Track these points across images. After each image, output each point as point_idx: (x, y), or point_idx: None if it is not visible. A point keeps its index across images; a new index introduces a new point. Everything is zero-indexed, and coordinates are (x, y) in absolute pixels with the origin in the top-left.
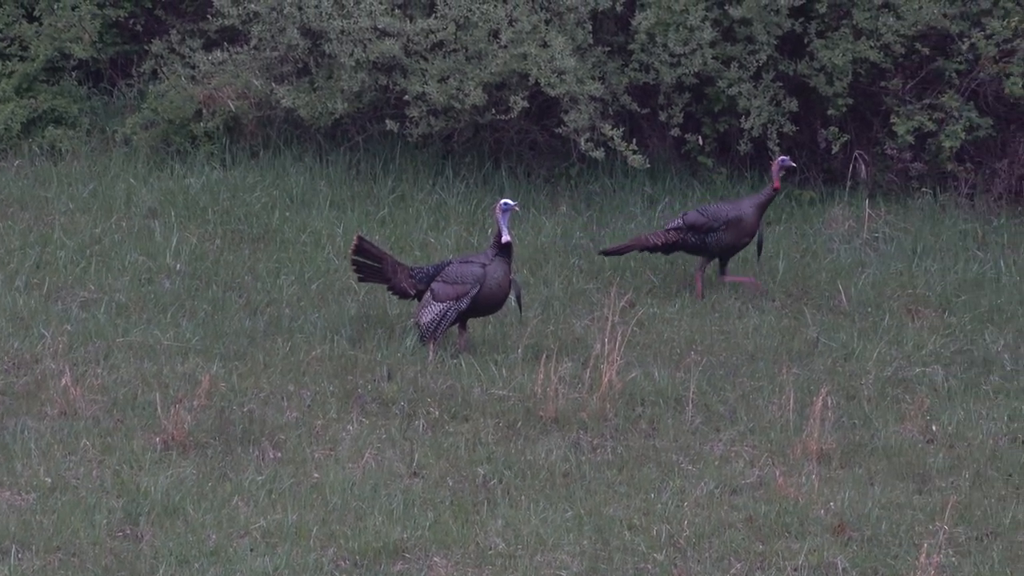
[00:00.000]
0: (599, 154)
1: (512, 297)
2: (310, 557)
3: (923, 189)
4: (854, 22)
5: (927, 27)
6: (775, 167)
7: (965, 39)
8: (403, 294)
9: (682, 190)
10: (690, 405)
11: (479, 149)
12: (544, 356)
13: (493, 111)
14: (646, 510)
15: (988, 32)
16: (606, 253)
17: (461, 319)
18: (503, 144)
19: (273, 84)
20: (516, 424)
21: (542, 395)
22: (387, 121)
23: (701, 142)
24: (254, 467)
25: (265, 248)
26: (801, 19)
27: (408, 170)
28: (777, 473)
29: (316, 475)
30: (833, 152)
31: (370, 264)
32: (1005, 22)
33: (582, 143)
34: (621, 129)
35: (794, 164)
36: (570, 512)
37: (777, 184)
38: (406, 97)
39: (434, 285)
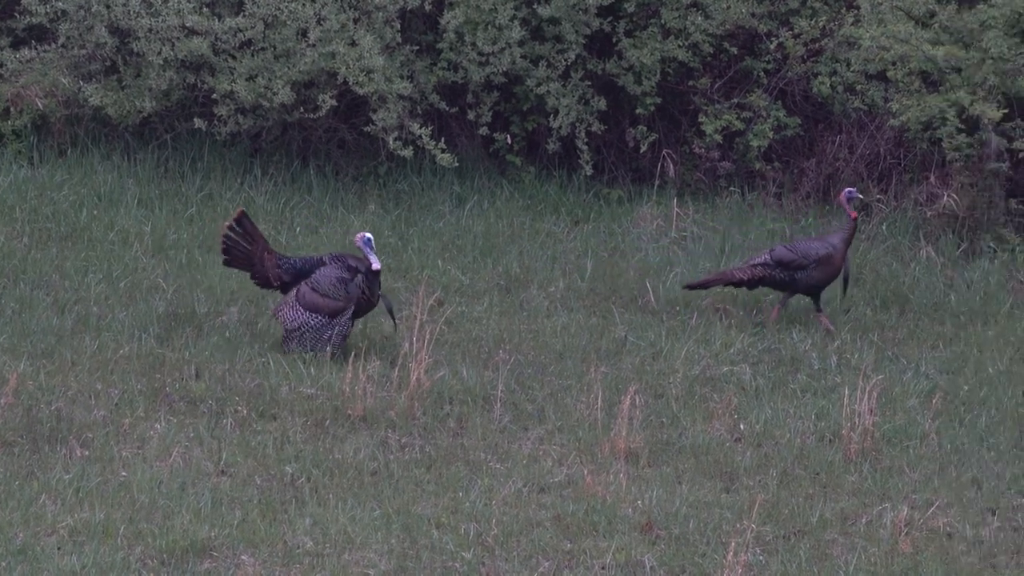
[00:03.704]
0: (407, 153)
1: (385, 309)
2: (117, 555)
3: (731, 188)
4: (662, 21)
5: (735, 26)
6: (843, 199)
7: (773, 38)
8: (266, 283)
9: (490, 189)
10: (498, 403)
11: (287, 147)
12: (352, 354)
13: (301, 109)
14: (454, 508)
15: (796, 32)
16: (691, 287)
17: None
18: (311, 142)
19: (81, 82)
20: (324, 422)
21: (350, 393)
22: (195, 119)
23: (509, 141)
24: (61, 465)
25: (73, 246)
26: (609, 18)
27: (216, 168)
28: (585, 472)
29: (124, 473)
30: (641, 151)
31: (242, 245)
32: (813, 21)
33: (390, 142)
34: (430, 128)
35: (861, 196)
36: (378, 511)
37: (854, 214)
38: (214, 95)
39: (303, 289)
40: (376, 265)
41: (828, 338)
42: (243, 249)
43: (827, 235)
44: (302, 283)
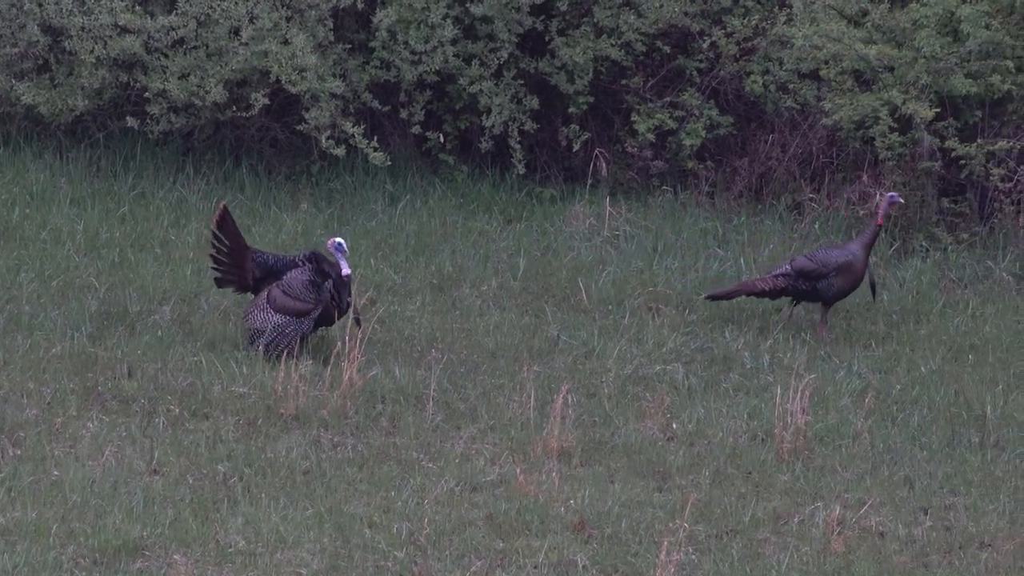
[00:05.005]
0: (340, 151)
1: (352, 318)
2: (49, 555)
3: (664, 187)
4: (595, 20)
5: (668, 25)
6: (884, 203)
7: (706, 37)
8: (246, 287)
9: (423, 188)
10: (431, 403)
11: (220, 146)
12: (285, 353)
13: (234, 108)
14: (386, 508)
15: (729, 30)
16: (712, 298)
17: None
18: (244, 141)
19: (13, 81)
20: (256, 422)
21: (283, 392)
22: (128, 118)
23: (442, 140)
24: None
25: (5, 245)
26: (542, 17)
27: (149, 167)
28: (518, 471)
29: (56, 472)
30: (574, 150)
31: (227, 245)
32: (745, 20)
33: (323, 140)
34: (362, 126)
35: (902, 200)
36: (310, 510)
37: (881, 221)
38: (147, 94)
39: (274, 292)
40: (346, 271)
41: (761, 337)
42: (227, 249)
43: (848, 242)
44: (273, 286)
